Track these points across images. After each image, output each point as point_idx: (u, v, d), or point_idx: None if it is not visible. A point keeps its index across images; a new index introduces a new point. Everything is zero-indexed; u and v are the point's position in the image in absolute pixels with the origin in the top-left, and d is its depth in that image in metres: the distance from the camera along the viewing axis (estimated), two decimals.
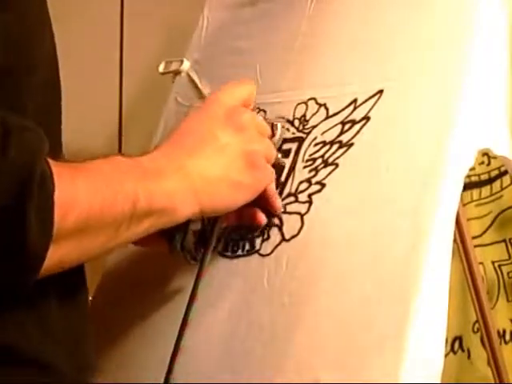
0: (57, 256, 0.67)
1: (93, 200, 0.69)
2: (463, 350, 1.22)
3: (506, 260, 1.22)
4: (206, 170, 0.82)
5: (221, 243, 0.95)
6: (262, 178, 0.87)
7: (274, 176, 0.90)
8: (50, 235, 0.65)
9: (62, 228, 0.66)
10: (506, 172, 1.20)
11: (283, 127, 0.94)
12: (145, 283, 1.04)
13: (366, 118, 0.92)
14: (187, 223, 0.88)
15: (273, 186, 0.91)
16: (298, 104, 0.98)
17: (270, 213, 0.92)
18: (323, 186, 0.91)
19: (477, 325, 1.11)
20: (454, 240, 0.85)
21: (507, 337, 1.19)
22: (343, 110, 0.94)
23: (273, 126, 0.93)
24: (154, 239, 0.86)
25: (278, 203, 0.92)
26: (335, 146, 0.93)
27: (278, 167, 0.93)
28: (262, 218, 0.92)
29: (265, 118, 0.94)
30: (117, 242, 0.75)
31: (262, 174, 0.87)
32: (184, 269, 0.97)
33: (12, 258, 0.64)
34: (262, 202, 0.91)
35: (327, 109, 0.96)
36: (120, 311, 1.05)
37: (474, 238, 1.10)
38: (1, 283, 0.65)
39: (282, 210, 0.93)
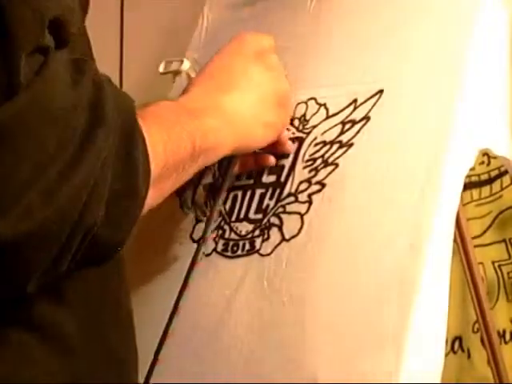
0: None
1: (166, 148, 0.73)
2: (463, 350, 1.22)
3: (506, 260, 1.22)
4: (241, 107, 0.86)
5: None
6: (287, 117, 0.92)
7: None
8: (149, 182, 0.69)
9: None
10: (505, 172, 1.19)
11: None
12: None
13: (366, 118, 0.92)
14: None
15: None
16: (298, 104, 0.98)
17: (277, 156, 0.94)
18: (323, 185, 0.91)
19: (477, 325, 1.10)
20: (454, 240, 0.85)
21: (507, 337, 1.19)
22: (343, 110, 0.94)
23: None
24: None
25: (289, 144, 0.94)
26: (335, 146, 0.93)
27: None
28: (272, 160, 0.94)
29: None
30: (177, 185, 0.78)
31: (287, 113, 0.92)
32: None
33: (127, 198, 0.66)
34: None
35: (327, 109, 0.96)
36: None
37: (473, 238, 1.09)
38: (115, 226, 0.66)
39: (282, 209, 0.93)
